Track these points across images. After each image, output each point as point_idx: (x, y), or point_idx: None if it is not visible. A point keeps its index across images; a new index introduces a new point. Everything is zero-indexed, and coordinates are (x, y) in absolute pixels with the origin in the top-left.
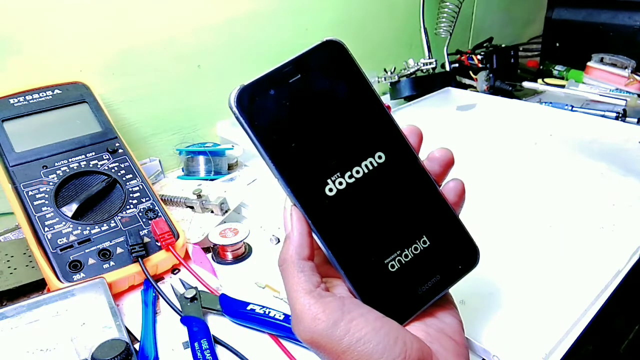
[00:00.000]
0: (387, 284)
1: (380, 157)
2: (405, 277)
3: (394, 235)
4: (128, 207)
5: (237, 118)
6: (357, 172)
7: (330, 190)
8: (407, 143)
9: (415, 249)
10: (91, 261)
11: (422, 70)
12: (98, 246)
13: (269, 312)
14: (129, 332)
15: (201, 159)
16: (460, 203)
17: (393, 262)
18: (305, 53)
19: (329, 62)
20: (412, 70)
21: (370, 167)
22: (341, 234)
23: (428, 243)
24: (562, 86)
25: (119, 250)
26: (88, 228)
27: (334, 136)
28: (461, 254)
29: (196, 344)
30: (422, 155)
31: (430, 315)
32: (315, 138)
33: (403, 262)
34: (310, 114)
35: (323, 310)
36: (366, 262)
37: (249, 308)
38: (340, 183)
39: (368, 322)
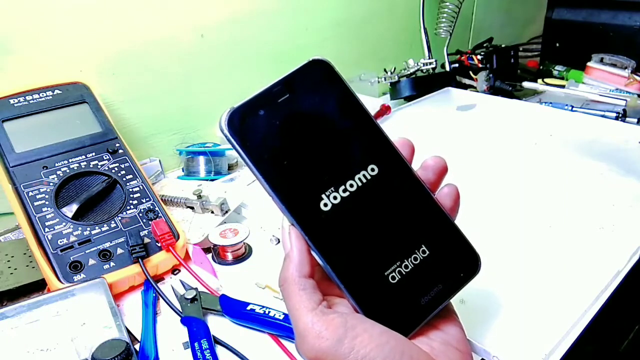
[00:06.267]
0: (389, 296)
1: (373, 170)
2: (407, 288)
3: (393, 246)
4: (128, 207)
5: (228, 140)
6: (351, 185)
7: (325, 205)
8: (399, 155)
9: (415, 259)
10: (91, 262)
11: (422, 70)
12: (98, 247)
13: (269, 312)
14: (129, 332)
15: (201, 159)
16: (456, 208)
17: (393, 274)
18: (293, 73)
19: (316, 80)
20: (412, 71)
21: (364, 180)
22: (339, 248)
23: (427, 252)
24: (562, 86)
25: (119, 250)
26: (88, 229)
27: (326, 152)
28: (462, 261)
29: (196, 344)
30: (416, 165)
31: (433, 327)
32: (307, 155)
33: (403, 272)
34: (301, 131)
35: (326, 328)
36: (366, 275)
37: (249, 308)
38: (335, 197)
39: (373, 338)
